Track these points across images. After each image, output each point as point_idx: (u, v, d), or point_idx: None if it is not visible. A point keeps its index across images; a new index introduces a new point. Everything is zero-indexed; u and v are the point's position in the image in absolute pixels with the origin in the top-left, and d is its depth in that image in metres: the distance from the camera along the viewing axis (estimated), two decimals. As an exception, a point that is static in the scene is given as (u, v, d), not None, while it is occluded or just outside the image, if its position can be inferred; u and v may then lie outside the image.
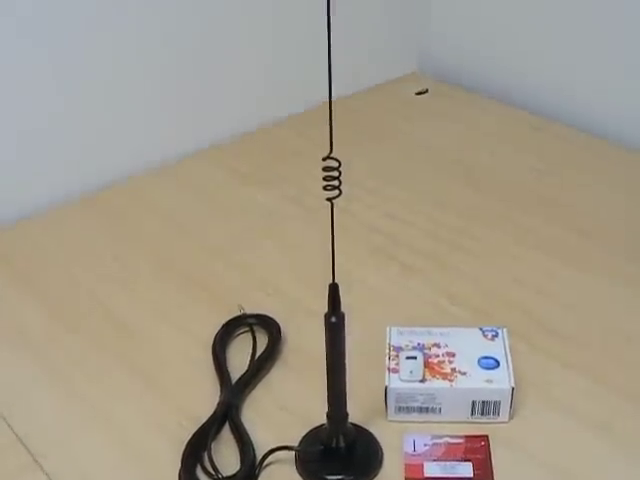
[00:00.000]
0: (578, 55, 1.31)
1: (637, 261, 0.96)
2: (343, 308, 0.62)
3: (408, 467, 0.68)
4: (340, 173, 0.54)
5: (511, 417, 0.73)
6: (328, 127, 0.56)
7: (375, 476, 0.68)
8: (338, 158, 0.55)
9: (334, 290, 0.61)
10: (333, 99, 0.53)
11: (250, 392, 0.77)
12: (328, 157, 0.54)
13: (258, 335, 0.84)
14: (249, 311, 0.85)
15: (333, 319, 0.61)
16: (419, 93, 1.41)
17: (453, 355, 0.75)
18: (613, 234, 1.02)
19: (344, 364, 0.64)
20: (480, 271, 0.95)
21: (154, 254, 0.99)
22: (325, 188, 0.55)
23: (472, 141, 1.25)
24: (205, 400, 0.75)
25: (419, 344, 0.76)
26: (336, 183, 0.55)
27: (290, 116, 1.31)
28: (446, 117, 1.33)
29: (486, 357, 0.74)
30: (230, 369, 0.79)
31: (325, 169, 0.54)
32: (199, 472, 0.68)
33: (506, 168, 1.18)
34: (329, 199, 0.56)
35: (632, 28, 1.22)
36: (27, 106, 1.05)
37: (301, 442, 0.70)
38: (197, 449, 0.69)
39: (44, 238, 1.03)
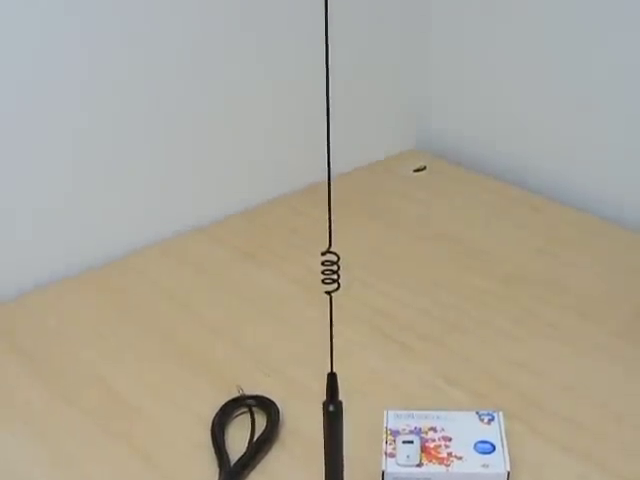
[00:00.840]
0: (578, 136, 1.34)
1: (638, 342, 0.97)
2: (341, 390, 0.63)
3: None
4: (339, 267, 0.56)
5: (508, 500, 0.73)
6: (327, 205, 0.57)
7: None
8: (337, 239, 0.57)
9: (332, 379, 0.61)
10: (332, 176, 0.55)
11: (248, 474, 0.78)
12: (327, 252, 0.55)
13: (257, 416, 0.84)
14: (248, 392, 0.86)
15: (331, 408, 0.62)
16: (417, 170, 1.43)
17: (450, 439, 0.75)
18: (612, 315, 1.03)
19: (342, 451, 0.65)
20: (478, 352, 0.96)
21: (154, 331, 1.00)
22: (324, 281, 0.56)
23: (471, 220, 1.27)
24: (204, 482, 0.75)
25: (416, 428, 0.77)
26: (335, 277, 0.56)
27: (289, 194, 1.33)
28: (444, 195, 1.35)
29: (482, 441, 0.75)
30: (229, 450, 0.79)
31: (324, 263, 0.55)
32: None
33: (505, 248, 1.19)
34: (328, 292, 0.57)
35: (632, 112, 1.25)
36: (25, 185, 1.06)
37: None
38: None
39: (44, 313, 1.04)
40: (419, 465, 0.72)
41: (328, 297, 0.59)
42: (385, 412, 0.79)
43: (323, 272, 0.56)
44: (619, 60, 1.25)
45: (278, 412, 0.84)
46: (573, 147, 1.35)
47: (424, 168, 1.44)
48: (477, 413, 0.79)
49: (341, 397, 0.63)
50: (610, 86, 1.27)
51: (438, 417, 0.78)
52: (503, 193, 1.36)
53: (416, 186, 1.39)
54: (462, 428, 0.77)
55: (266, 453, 0.80)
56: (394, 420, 0.78)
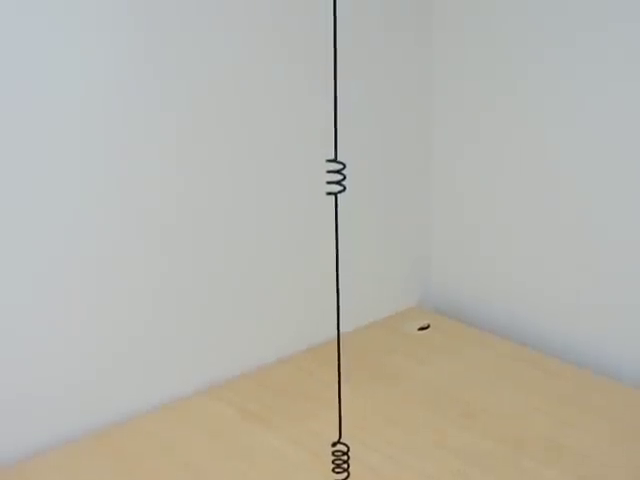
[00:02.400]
0: (577, 293, 1.39)
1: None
2: None
3: None
4: (349, 457, 0.59)
5: None
6: (332, 365, 0.61)
7: None
8: (342, 397, 0.60)
9: None
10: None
11: None
12: (338, 442, 0.59)
13: None
14: None
15: None
16: (421, 329, 1.47)
17: None
18: (612, 478, 1.04)
19: None
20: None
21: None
22: (334, 470, 0.59)
23: (472, 380, 1.30)
24: None
25: None
26: (345, 466, 0.59)
27: (295, 354, 1.36)
28: (447, 354, 1.39)
29: None
30: None
31: (334, 453, 0.59)
32: None
33: (506, 408, 1.22)
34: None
35: (630, 269, 1.30)
36: (21, 349, 1.09)
37: None
38: None
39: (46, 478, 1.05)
40: None
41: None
42: None
43: (333, 462, 0.59)
44: (617, 224, 1.32)
45: None
46: (572, 304, 1.39)
47: (428, 326, 1.48)
48: None
49: None
50: (608, 245, 1.33)
51: None
52: (504, 350, 1.40)
53: (420, 345, 1.43)
54: None
55: None
56: None
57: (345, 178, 0.61)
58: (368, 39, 1.40)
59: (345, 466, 0.60)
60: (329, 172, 0.61)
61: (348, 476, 0.60)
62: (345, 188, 0.61)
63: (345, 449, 0.60)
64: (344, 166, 0.62)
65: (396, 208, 1.54)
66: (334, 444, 0.59)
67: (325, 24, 0.58)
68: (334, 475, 0.62)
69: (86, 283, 1.12)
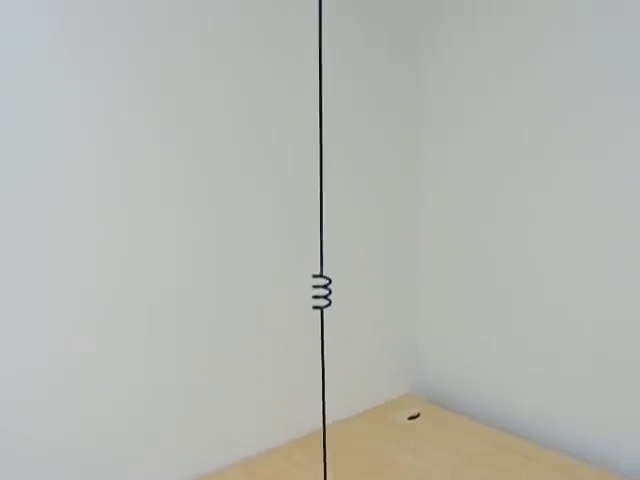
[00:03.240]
0: (569, 385, 1.41)
1: None
2: None
3: None
4: None
5: None
6: (320, 455, 0.63)
7: None
8: None
9: None
10: (328, 422, 0.61)
11: None
12: None
13: None
14: None
15: None
16: (411, 418, 1.49)
17: None
18: None
19: None
20: None
21: None
22: None
23: (463, 471, 1.31)
24: None
25: None
26: None
27: (285, 444, 1.38)
28: (437, 443, 1.41)
29: None
30: None
31: None
32: None
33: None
34: None
35: (629, 349, 1.33)
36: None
37: None
38: None
39: None
40: None
41: None
42: None
43: None
44: (612, 306, 1.35)
45: None
46: (566, 395, 1.41)
47: (418, 415, 1.50)
48: None
49: None
50: (595, 338, 1.35)
51: None
52: (494, 439, 1.41)
53: (409, 434, 1.44)
54: None
55: None
56: None
57: (331, 292, 0.64)
58: (353, 153, 1.46)
59: None
60: (315, 287, 0.64)
61: None
62: (330, 302, 0.64)
63: None
64: (330, 281, 0.65)
65: (386, 301, 1.58)
66: None
67: (314, 150, 0.61)
68: None
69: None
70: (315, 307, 0.64)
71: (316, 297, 0.64)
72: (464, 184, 1.53)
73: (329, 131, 1.40)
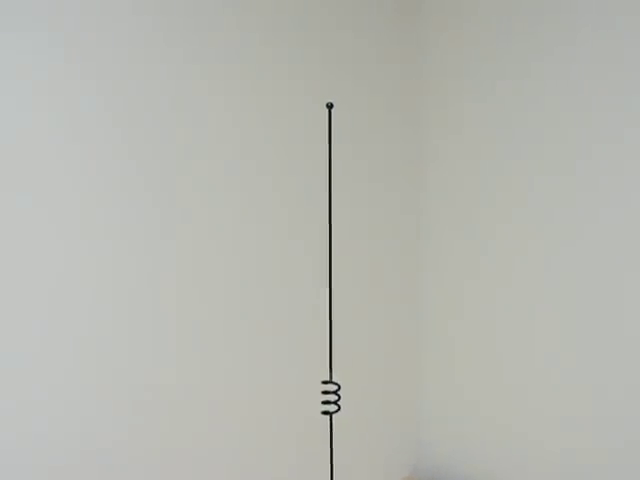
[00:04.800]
0: (574, 465, 1.40)
1: None
2: None
3: None
4: None
5: None
6: None
7: None
8: None
9: None
10: None
11: None
12: None
13: None
14: None
15: None
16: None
17: None
18: None
19: None
20: None
21: None
22: None
23: None
24: None
25: None
26: None
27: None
28: None
29: None
30: None
31: None
32: None
33: None
34: None
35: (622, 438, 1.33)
36: None
37: None
38: None
39: None
40: None
41: None
42: None
43: None
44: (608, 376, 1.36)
45: None
46: (574, 471, 1.41)
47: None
48: None
49: None
50: (597, 418, 1.36)
51: None
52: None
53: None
54: None
55: None
56: None
57: (340, 398, 0.66)
58: (354, 243, 1.51)
59: None
60: (324, 393, 0.67)
61: None
62: (340, 408, 0.67)
63: None
64: (339, 387, 0.67)
65: (387, 391, 1.59)
66: None
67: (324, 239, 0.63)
68: None
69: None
70: (324, 412, 0.67)
71: (326, 402, 0.66)
72: (463, 271, 1.55)
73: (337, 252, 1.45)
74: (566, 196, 1.38)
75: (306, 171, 1.39)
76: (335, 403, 0.66)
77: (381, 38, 1.53)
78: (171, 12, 1.21)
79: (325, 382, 0.67)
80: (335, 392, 0.67)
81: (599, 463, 1.36)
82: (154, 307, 1.20)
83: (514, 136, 1.46)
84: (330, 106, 0.70)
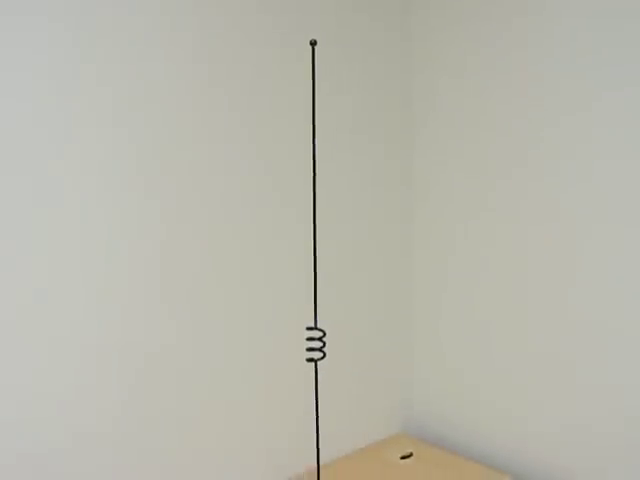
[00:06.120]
0: (563, 423, 1.41)
1: None
2: None
3: None
4: None
5: None
6: None
7: None
8: None
9: None
10: (322, 462, 0.62)
11: None
12: None
13: None
14: None
15: None
16: (404, 457, 1.49)
17: None
18: None
19: None
20: None
21: None
22: None
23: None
24: None
25: None
26: None
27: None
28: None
29: None
30: None
31: None
32: None
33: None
34: None
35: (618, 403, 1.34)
36: None
37: None
38: None
39: None
40: None
41: None
42: None
43: None
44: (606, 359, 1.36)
45: None
46: (557, 432, 1.42)
47: (410, 455, 1.50)
48: None
49: None
50: (594, 374, 1.36)
51: None
52: (485, 478, 1.41)
53: (401, 473, 1.44)
54: None
55: None
56: None
57: (325, 345, 0.65)
58: (349, 214, 1.48)
59: None
60: (309, 339, 0.65)
61: None
62: (325, 355, 0.65)
63: None
64: (324, 333, 0.66)
65: (380, 340, 1.58)
66: None
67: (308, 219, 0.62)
68: None
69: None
70: (309, 360, 0.65)
71: (310, 349, 0.65)
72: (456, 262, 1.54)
73: (323, 211, 1.42)
74: (560, 182, 1.36)
75: (290, 118, 1.36)
76: (320, 350, 0.64)
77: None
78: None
79: (310, 328, 0.66)
80: (320, 338, 0.65)
81: (599, 441, 1.37)
82: (147, 300, 1.18)
83: (504, 88, 1.43)
84: (314, 43, 0.68)
